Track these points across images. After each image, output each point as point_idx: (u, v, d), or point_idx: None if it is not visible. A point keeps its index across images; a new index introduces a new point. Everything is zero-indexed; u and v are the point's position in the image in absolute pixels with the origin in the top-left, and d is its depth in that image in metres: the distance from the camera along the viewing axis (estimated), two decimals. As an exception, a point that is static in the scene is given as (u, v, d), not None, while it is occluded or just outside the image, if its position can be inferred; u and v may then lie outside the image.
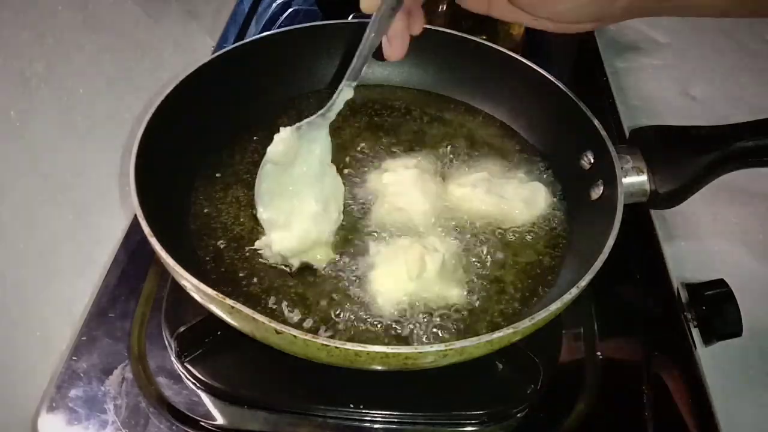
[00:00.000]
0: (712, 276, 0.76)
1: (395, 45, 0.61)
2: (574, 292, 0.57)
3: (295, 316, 0.65)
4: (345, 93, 0.65)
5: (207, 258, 0.69)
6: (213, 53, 0.86)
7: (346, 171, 0.80)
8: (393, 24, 0.60)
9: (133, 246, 0.80)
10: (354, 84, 0.64)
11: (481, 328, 0.65)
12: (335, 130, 0.85)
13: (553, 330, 0.70)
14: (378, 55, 0.62)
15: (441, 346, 0.53)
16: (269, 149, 0.66)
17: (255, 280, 0.68)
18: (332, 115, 0.67)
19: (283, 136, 0.66)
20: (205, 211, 0.74)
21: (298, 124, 0.66)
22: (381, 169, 0.80)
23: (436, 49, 0.91)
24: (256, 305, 0.65)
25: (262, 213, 0.67)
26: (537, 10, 0.56)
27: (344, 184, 0.73)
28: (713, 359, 0.74)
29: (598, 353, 0.71)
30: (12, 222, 0.72)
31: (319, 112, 0.66)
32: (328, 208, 0.69)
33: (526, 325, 0.55)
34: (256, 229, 0.72)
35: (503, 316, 0.66)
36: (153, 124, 0.69)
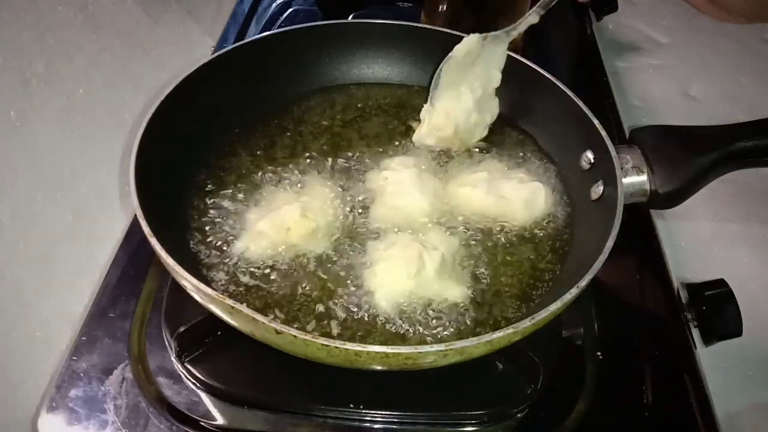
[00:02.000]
0: (712, 276, 0.76)
1: None
2: (574, 292, 0.57)
3: (295, 316, 0.65)
4: (531, 18, 0.77)
5: (207, 258, 0.69)
6: (213, 53, 0.86)
7: (345, 170, 0.80)
8: None
9: (133, 246, 0.80)
10: (542, 12, 0.76)
11: (481, 328, 0.65)
12: (337, 128, 0.86)
13: (553, 330, 0.70)
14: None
15: (441, 346, 0.53)
16: (456, 48, 0.78)
17: (255, 279, 0.68)
18: (515, 34, 0.78)
19: (470, 40, 0.78)
20: (206, 210, 0.74)
21: (484, 35, 0.78)
22: (380, 168, 0.80)
23: (436, 49, 0.91)
24: (256, 305, 0.65)
25: (435, 95, 0.81)
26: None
27: (345, 183, 0.72)
28: (713, 359, 0.74)
29: (598, 353, 0.71)
30: (12, 222, 0.72)
31: (504, 30, 0.79)
32: (483, 107, 0.82)
33: (526, 325, 0.55)
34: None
35: (503, 316, 0.66)
36: (153, 124, 0.69)
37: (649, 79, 1.22)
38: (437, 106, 0.83)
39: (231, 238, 0.71)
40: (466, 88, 0.81)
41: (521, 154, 0.84)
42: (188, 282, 0.56)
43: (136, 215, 0.60)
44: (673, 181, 0.70)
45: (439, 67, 0.80)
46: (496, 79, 0.81)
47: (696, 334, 0.74)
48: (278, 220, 0.70)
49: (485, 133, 0.85)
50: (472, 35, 0.78)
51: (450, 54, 0.78)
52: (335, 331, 0.64)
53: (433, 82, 0.82)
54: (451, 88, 0.81)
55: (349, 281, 0.68)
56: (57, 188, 0.79)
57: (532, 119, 0.87)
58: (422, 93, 0.93)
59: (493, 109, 0.84)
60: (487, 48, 0.79)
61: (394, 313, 0.65)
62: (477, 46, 0.78)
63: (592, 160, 0.75)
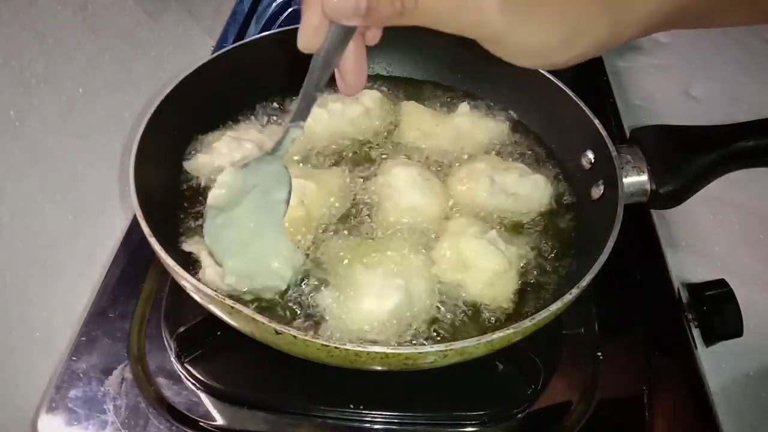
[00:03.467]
0: (712, 276, 0.76)
1: (352, 77, 0.49)
2: (574, 292, 0.57)
3: (296, 315, 0.65)
4: (292, 133, 0.56)
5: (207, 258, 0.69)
6: (213, 53, 0.86)
7: (347, 168, 0.80)
8: (346, 52, 0.47)
9: (133, 246, 0.80)
10: (302, 124, 0.55)
11: (482, 328, 0.65)
12: (338, 127, 0.85)
13: (554, 330, 0.70)
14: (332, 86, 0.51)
15: (441, 347, 0.53)
16: (212, 194, 0.60)
17: (255, 280, 0.68)
18: (282, 154, 0.58)
19: (225, 179, 0.59)
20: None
21: (243, 163, 0.60)
22: (381, 168, 0.80)
23: (435, 48, 0.91)
24: (257, 305, 0.65)
25: (221, 259, 0.62)
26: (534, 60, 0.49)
27: (346, 181, 0.72)
28: (713, 359, 0.74)
29: (599, 353, 0.71)
30: (12, 222, 0.72)
31: (266, 150, 0.59)
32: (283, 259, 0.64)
33: (526, 325, 0.55)
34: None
35: (504, 316, 0.66)
36: (153, 123, 0.69)
37: (650, 78, 1.21)
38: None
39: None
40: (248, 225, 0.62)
41: (521, 154, 0.84)
42: (188, 282, 0.56)
43: (135, 215, 0.60)
44: (673, 181, 0.69)
45: (204, 224, 0.61)
46: (281, 192, 0.62)
47: (696, 334, 0.74)
48: None
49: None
50: (225, 171, 0.60)
51: (207, 203, 0.60)
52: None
53: (207, 242, 0.61)
54: (234, 245, 0.62)
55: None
56: (57, 188, 0.79)
57: (532, 119, 0.87)
58: (422, 89, 0.93)
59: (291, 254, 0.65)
60: (251, 172, 0.60)
61: (396, 313, 0.64)
62: (237, 181, 0.60)
63: (593, 160, 0.75)
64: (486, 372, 0.68)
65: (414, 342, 0.62)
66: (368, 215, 0.74)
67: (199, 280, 0.58)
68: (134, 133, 0.67)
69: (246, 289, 0.64)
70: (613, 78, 1.15)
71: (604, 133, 0.73)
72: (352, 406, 0.65)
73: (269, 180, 0.61)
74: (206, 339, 0.69)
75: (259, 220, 0.62)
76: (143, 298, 0.74)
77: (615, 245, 0.61)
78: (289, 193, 0.62)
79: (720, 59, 1.27)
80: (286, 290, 0.65)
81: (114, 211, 0.87)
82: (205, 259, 0.66)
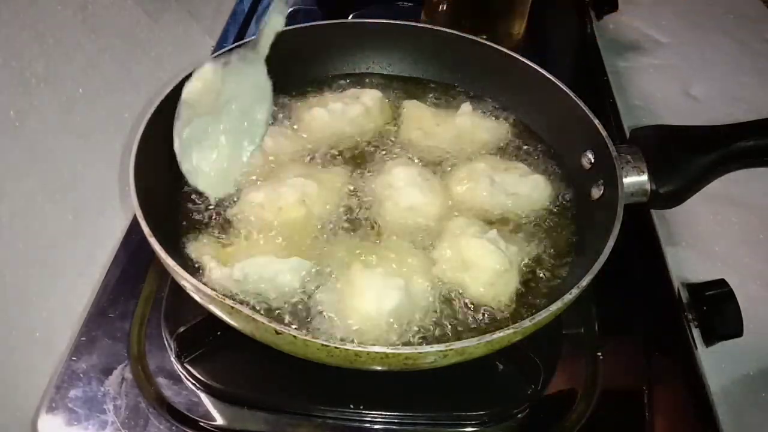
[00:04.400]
0: (712, 276, 0.76)
1: None
2: (574, 292, 0.57)
3: (297, 316, 0.65)
4: (274, 21, 0.53)
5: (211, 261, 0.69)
6: (213, 53, 0.86)
7: (347, 167, 0.80)
8: None
9: (133, 246, 0.80)
10: (286, 11, 0.52)
11: (482, 328, 0.65)
12: (339, 127, 0.85)
13: (554, 330, 0.70)
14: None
15: (441, 347, 0.53)
16: (186, 89, 0.56)
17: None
18: (264, 50, 0.55)
19: (202, 74, 0.56)
20: (207, 210, 0.74)
21: (224, 59, 0.55)
22: (380, 167, 0.80)
23: (436, 49, 0.91)
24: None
25: (186, 167, 0.58)
26: None
27: (347, 180, 0.72)
28: (713, 359, 0.74)
29: (599, 353, 0.71)
30: (12, 222, 0.72)
31: (248, 47, 0.55)
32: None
33: (526, 325, 0.55)
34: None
35: (505, 315, 0.66)
36: (152, 123, 0.69)
37: (650, 78, 1.22)
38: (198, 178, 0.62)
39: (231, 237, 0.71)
40: (222, 138, 0.59)
41: (521, 154, 0.84)
42: (188, 282, 0.56)
43: (135, 215, 0.60)
44: (673, 181, 0.70)
45: (175, 124, 0.57)
46: (262, 111, 0.59)
47: (696, 334, 0.74)
48: (274, 196, 0.70)
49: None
50: (204, 66, 0.56)
51: (182, 98, 0.57)
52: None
53: (176, 145, 0.58)
54: (206, 149, 0.59)
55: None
56: (57, 188, 0.79)
57: (532, 119, 0.87)
58: (422, 88, 0.93)
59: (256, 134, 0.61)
60: (233, 75, 0.57)
61: (396, 313, 0.64)
62: (216, 78, 0.57)
63: (593, 160, 0.75)
64: (486, 372, 0.68)
65: (414, 342, 0.62)
66: (368, 215, 0.74)
67: (200, 280, 0.58)
68: (134, 133, 0.67)
69: (252, 288, 0.64)
70: (613, 78, 1.15)
71: (604, 133, 0.73)
72: (352, 406, 0.65)
73: (250, 94, 0.58)
74: (206, 339, 0.69)
75: (235, 139, 0.59)
76: (143, 298, 0.74)
77: (615, 245, 0.61)
78: (269, 112, 0.58)
79: (720, 59, 1.27)
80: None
81: (114, 211, 0.87)
82: (209, 262, 0.65)
